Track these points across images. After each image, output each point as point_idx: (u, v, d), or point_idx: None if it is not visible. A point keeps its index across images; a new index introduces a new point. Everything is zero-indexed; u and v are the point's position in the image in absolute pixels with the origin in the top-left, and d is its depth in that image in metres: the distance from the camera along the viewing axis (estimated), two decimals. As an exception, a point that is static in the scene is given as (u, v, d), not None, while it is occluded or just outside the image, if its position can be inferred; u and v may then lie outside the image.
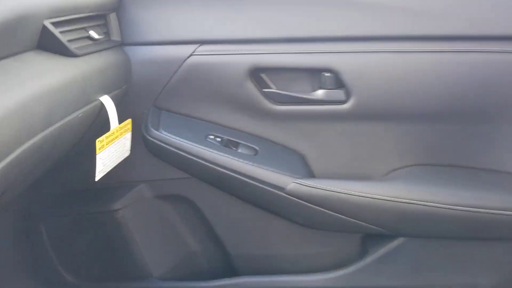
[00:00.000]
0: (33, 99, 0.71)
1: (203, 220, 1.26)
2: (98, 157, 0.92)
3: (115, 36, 1.08)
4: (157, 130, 1.11)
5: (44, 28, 0.79)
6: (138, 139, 1.12)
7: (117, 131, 0.99)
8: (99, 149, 0.92)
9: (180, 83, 1.13)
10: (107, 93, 0.98)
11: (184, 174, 1.18)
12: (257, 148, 1.14)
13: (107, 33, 1.06)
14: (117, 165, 1.14)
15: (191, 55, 1.11)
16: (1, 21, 0.69)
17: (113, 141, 0.98)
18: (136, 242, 1.26)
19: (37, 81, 0.75)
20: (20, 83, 0.71)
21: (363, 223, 1.09)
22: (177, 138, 1.10)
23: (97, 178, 0.94)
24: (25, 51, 0.77)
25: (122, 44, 1.10)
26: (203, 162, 1.09)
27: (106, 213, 1.25)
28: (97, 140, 0.91)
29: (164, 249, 1.29)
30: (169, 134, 1.10)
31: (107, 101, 0.95)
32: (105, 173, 0.97)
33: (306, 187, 1.07)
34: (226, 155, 1.09)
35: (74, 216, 1.28)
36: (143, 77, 1.12)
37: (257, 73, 1.12)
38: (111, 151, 0.98)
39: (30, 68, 0.75)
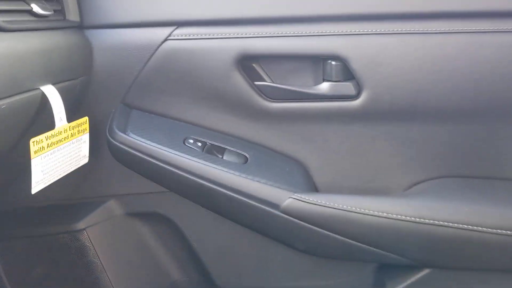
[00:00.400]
0: None
1: (184, 243, 1.06)
2: (33, 163, 0.71)
3: (72, 16, 0.87)
4: (123, 132, 0.90)
5: None
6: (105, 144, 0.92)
7: (66, 131, 0.78)
8: (35, 152, 0.71)
9: (154, 75, 0.92)
10: (53, 82, 0.77)
11: (161, 188, 0.98)
12: (246, 155, 0.94)
13: (60, 11, 0.86)
14: (79, 177, 0.97)
15: (166, 39, 0.90)
16: None
17: (60, 144, 0.77)
18: (104, 269, 1.07)
19: None
20: None
21: (379, 250, 0.86)
22: (148, 142, 0.89)
23: (33, 191, 0.73)
24: None
25: (81, 27, 0.90)
26: (180, 172, 0.88)
27: (68, 234, 1.06)
28: (31, 141, 0.70)
29: (138, 278, 1.10)
30: (138, 138, 0.90)
31: (51, 92, 0.75)
32: (46, 184, 0.76)
33: (306, 203, 0.85)
34: (209, 163, 0.88)
35: (30, 238, 1.07)
36: (109, 67, 0.92)
37: (246, 62, 0.91)
38: (57, 156, 0.77)
39: None
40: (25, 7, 0.76)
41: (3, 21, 0.69)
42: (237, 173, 0.88)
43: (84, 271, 1.06)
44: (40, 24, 0.77)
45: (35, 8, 0.77)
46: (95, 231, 1.05)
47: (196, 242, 1.06)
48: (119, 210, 1.05)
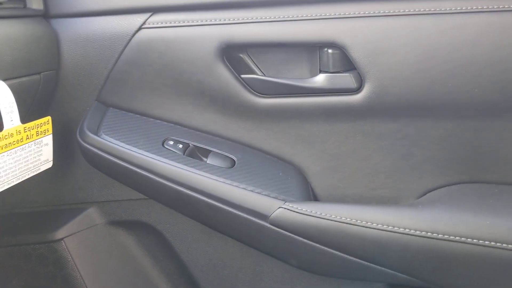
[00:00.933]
0: None
1: (172, 254, 0.96)
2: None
3: (35, 4, 0.78)
4: (95, 133, 0.80)
5: None
6: None
7: (19, 133, 0.68)
8: (-25, 158, 0.61)
9: (129, 68, 0.82)
10: (4, 77, 0.68)
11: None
12: (234, 158, 0.82)
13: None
14: (57, 182, 0.90)
15: (140, 28, 0.80)
16: None
17: (10, 148, 0.67)
18: (84, 283, 0.98)
19: None
20: None
21: (384, 269, 0.74)
22: (121, 144, 0.79)
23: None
24: None
25: (46, 15, 0.80)
26: (158, 178, 0.78)
27: (45, 245, 0.97)
28: (-32, 144, 0.61)
29: (122, 292, 0.99)
30: (110, 139, 0.80)
31: (-2, 88, 0.65)
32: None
33: (298, 214, 0.74)
34: (189, 168, 0.77)
35: (6, 248, 0.98)
36: (79, 60, 0.83)
37: (232, 52, 0.80)
38: (7, 162, 0.67)
39: None
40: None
41: None
42: (221, 179, 0.77)
43: (62, 285, 0.97)
44: (-13, 12, 0.68)
45: (-16, -7, 0.67)
46: (74, 241, 0.96)
47: (184, 253, 0.96)
48: (100, 218, 0.96)
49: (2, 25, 0.70)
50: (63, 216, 0.96)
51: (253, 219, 0.75)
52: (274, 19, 0.77)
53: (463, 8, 0.71)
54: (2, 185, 0.68)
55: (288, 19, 0.77)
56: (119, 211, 0.95)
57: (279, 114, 0.82)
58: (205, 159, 0.82)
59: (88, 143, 0.80)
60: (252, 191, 0.76)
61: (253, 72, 0.81)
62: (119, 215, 0.95)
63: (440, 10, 0.72)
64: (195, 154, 0.82)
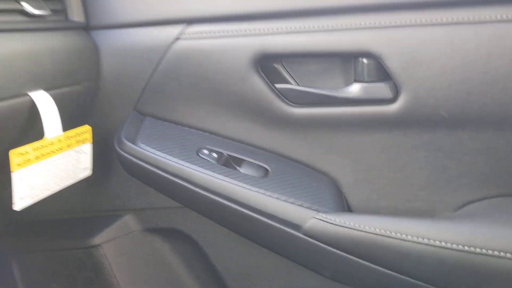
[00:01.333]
0: None
1: (207, 263, 0.97)
2: (15, 176, 0.64)
3: (76, 16, 0.81)
4: (132, 142, 0.82)
5: None
6: None
7: (59, 141, 0.71)
8: (18, 165, 0.64)
9: (165, 78, 0.84)
10: (46, 88, 0.70)
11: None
12: (267, 167, 0.82)
13: (61, 11, 0.79)
14: (94, 190, 0.93)
15: (176, 39, 0.82)
16: None
17: (51, 155, 0.69)
18: (120, 287, 0.98)
19: None
20: None
21: (420, 283, 0.72)
22: (157, 153, 0.81)
23: (17, 207, 0.66)
24: None
25: (86, 27, 0.83)
26: (192, 187, 0.79)
27: (83, 250, 1.00)
28: (11, 152, 0.63)
29: (156, 298, 1.00)
30: (147, 148, 0.81)
31: (40, 98, 0.68)
32: (34, 200, 0.69)
33: (332, 225, 0.73)
34: (223, 177, 0.78)
35: (46, 252, 1.02)
36: (118, 71, 0.85)
37: (266, 62, 0.80)
38: (48, 169, 0.69)
39: None
40: (15, 6, 0.69)
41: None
42: (254, 189, 0.77)
43: None
44: (32, 25, 0.71)
45: (27, 7, 0.70)
46: (111, 247, 0.98)
47: (218, 262, 0.96)
48: (136, 225, 0.98)
49: (44, 37, 0.73)
50: (101, 223, 0.99)
51: (286, 229, 0.75)
52: (309, 30, 0.77)
53: (504, 16, 0.70)
54: (43, 191, 0.70)
55: (323, 29, 0.76)
56: (155, 218, 0.97)
57: (313, 124, 0.82)
58: (238, 168, 0.82)
59: (125, 152, 0.82)
60: (285, 201, 0.76)
61: (287, 82, 0.82)
62: (155, 222, 0.97)
63: (479, 19, 0.70)
64: (228, 163, 0.82)
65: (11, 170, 0.63)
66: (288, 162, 0.84)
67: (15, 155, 0.63)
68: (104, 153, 0.89)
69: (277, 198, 0.76)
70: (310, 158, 0.84)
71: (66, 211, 0.96)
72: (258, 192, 0.77)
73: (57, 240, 1.01)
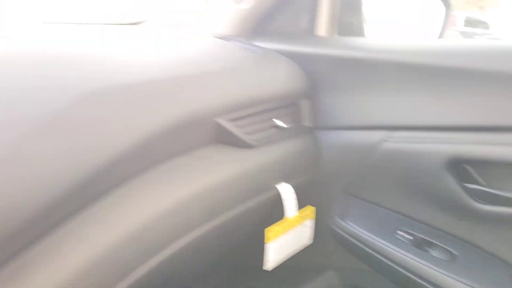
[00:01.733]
0: (195, 195, 0.75)
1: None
2: (268, 247, 0.91)
3: (307, 122, 1.08)
4: (342, 219, 1.05)
5: (218, 124, 0.84)
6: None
7: (296, 219, 0.97)
8: (269, 239, 0.91)
9: (371, 170, 1.05)
10: (287, 180, 0.97)
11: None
12: (455, 252, 0.97)
13: (297, 120, 1.06)
14: (306, 250, 1.13)
15: (383, 141, 1.03)
16: (175, 122, 0.76)
17: (289, 230, 0.96)
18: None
19: (204, 175, 0.79)
20: (190, 178, 0.77)
21: None
22: (363, 231, 1.03)
23: (268, 267, 0.93)
24: (201, 146, 0.83)
25: (314, 128, 1.10)
26: (389, 262, 0.99)
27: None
28: (266, 230, 0.91)
29: None
30: (354, 226, 1.04)
31: (284, 189, 0.95)
32: (277, 263, 0.96)
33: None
34: (416, 258, 0.96)
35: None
36: (333, 163, 1.09)
37: (458, 165, 0.96)
38: (286, 239, 0.96)
39: (201, 163, 0.80)
40: (271, 124, 0.98)
41: (253, 139, 0.92)
42: (442, 271, 0.93)
43: None
44: (281, 135, 0.99)
45: (278, 123, 0.99)
46: None
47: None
48: (337, 281, 1.20)
49: (287, 143, 1.00)
50: (307, 275, 1.22)
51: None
52: (500, 143, 0.91)
53: None
54: (282, 256, 0.97)
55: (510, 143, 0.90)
56: (354, 277, 1.17)
57: (501, 221, 0.94)
58: (428, 249, 0.99)
59: (337, 227, 1.05)
60: (471, 286, 0.90)
61: (476, 182, 0.96)
62: (354, 280, 1.18)
63: None
64: (421, 245, 1.00)
65: (265, 241, 0.91)
66: (476, 250, 0.98)
67: (269, 232, 0.91)
68: (317, 226, 1.13)
69: (463, 282, 0.91)
70: (496, 250, 0.96)
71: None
72: (445, 273, 0.93)
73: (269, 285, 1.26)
